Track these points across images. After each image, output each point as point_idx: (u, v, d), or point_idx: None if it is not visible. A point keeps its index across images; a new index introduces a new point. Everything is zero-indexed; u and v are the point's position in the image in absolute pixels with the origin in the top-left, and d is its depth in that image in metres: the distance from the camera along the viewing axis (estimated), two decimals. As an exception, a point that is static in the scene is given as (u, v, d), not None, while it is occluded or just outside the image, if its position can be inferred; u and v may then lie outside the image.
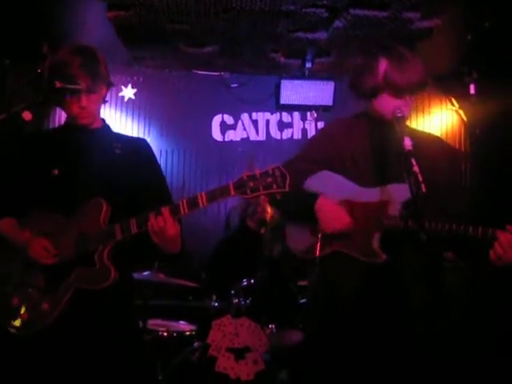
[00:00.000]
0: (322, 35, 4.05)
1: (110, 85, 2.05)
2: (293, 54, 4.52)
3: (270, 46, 4.37)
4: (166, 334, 3.51)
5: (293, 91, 4.85)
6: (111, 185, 1.97)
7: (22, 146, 2.07)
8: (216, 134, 5.13)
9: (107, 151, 2.03)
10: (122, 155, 2.04)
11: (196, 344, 3.38)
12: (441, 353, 1.92)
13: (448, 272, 2.88)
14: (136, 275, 3.17)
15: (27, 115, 1.75)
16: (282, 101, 4.91)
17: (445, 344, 1.96)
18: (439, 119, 5.24)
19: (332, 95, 4.81)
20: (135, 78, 5.03)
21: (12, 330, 1.88)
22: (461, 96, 5.02)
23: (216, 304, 3.58)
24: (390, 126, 1.99)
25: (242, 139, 5.16)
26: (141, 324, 3.22)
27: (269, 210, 3.88)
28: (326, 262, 2.03)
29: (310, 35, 4.05)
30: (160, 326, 3.63)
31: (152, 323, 3.57)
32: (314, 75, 4.88)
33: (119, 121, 4.98)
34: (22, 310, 1.89)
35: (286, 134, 5.21)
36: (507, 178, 4.43)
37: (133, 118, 5.04)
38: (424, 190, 1.72)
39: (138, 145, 2.15)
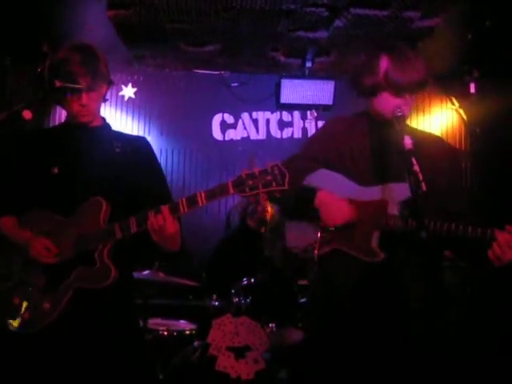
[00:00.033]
0: (322, 34, 4.05)
1: (110, 83, 2.04)
2: (293, 53, 4.52)
3: (270, 45, 4.37)
4: (166, 333, 3.51)
5: (293, 90, 4.85)
6: (111, 183, 1.97)
7: (22, 145, 2.07)
8: (216, 133, 5.13)
9: (107, 150, 2.03)
10: (122, 154, 2.03)
11: (196, 343, 3.38)
12: (439, 351, 1.92)
13: (447, 270, 2.89)
14: (136, 274, 3.18)
15: (27, 114, 1.76)
16: (283, 100, 4.90)
17: (443, 343, 1.96)
18: (439, 118, 5.23)
19: (332, 94, 4.81)
20: (135, 77, 5.03)
21: (13, 330, 1.88)
22: (461, 95, 5.02)
23: (216, 303, 3.58)
24: (390, 125, 1.98)
25: (243, 138, 5.15)
26: (141, 323, 3.22)
27: (269, 209, 3.88)
28: (325, 260, 2.02)
29: (310, 34, 4.05)
30: (160, 325, 3.63)
31: (152, 322, 3.57)
32: (314, 74, 4.88)
33: (119, 120, 4.97)
34: (23, 310, 1.89)
35: (287, 133, 5.20)
36: (507, 177, 4.43)
37: (133, 117, 5.04)
38: (424, 189, 1.72)
39: (138, 143, 2.15)
